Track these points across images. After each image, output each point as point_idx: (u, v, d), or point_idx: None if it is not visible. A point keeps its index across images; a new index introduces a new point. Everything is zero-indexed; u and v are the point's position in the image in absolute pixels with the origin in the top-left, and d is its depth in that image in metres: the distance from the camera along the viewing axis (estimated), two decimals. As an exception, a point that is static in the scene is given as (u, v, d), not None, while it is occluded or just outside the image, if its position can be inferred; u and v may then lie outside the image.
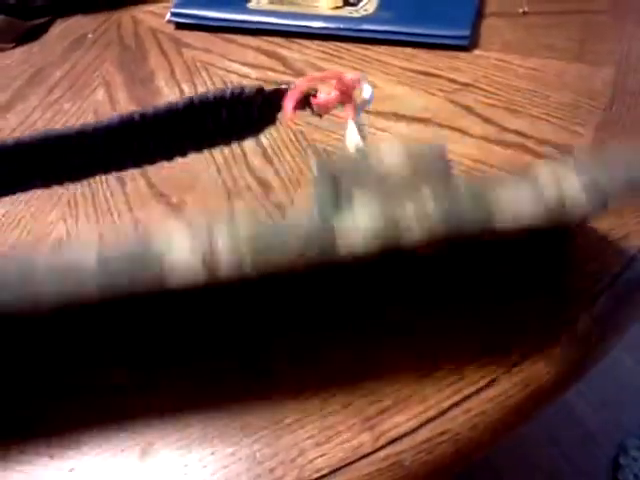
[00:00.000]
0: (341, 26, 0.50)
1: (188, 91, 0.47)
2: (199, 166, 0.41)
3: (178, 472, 0.26)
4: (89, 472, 0.26)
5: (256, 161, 0.40)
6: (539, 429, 0.82)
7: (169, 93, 0.47)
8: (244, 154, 0.41)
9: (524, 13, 0.52)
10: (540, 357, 0.29)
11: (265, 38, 0.52)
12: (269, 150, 0.41)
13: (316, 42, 0.51)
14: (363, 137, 0.29)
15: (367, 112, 0.44)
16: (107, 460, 0.27)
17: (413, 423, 0.27)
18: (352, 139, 0.29)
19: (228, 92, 0.27)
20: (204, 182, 0.39)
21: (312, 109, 0.29)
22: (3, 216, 0.38)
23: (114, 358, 0.28)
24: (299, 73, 0.48)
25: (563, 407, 0.83)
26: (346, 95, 0.27)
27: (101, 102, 0.47)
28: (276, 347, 0.29)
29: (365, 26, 0.50)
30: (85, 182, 0.40)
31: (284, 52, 0.50)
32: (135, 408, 0.27)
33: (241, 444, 0.27)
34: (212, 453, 0.27)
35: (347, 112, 0.29)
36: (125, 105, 0.46)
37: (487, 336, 0.29)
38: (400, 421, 0.27)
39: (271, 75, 0.48)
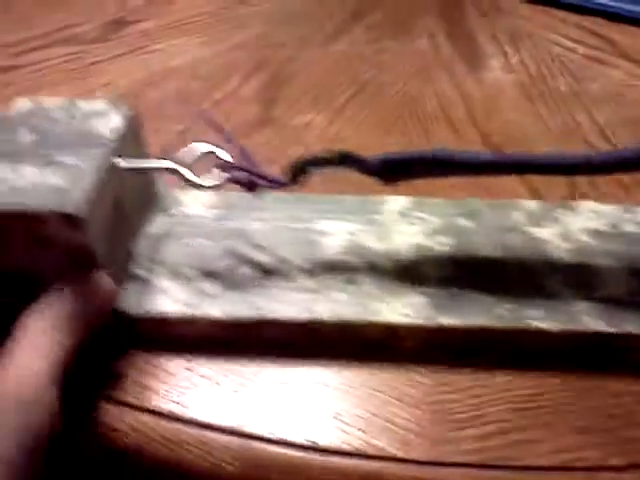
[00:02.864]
0: (684, 19, 0.47)
1: (511, 54, 0.46)
2: (531, 127, 0.40)
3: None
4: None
5: (592, 136, 0.39)
6: None
7: (492, 52, 0.47)
8: (579, 128, 0.39)
9: None
10: None
11: (586, 17, 0.50)
12: (607, 129, 0.39)
13: (649, 31, 0.48)
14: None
15: None
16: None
17: None
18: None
19: None
20: (537, 143, 0.38)
21: None
22: (338, 131, 0.40)
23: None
24: (629, 58, 0.45)
25: None
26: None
27: (425, 48, 0.47)
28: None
29: None
30: (415, 116, 0.41)
31: (612, 34, 0.48)
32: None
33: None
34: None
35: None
36: (449, 56, 0.46)
37: None
38: None
39: (600, 55, 0.46)
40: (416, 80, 0.44)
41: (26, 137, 0.27)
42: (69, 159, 0.25)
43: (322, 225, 0.30)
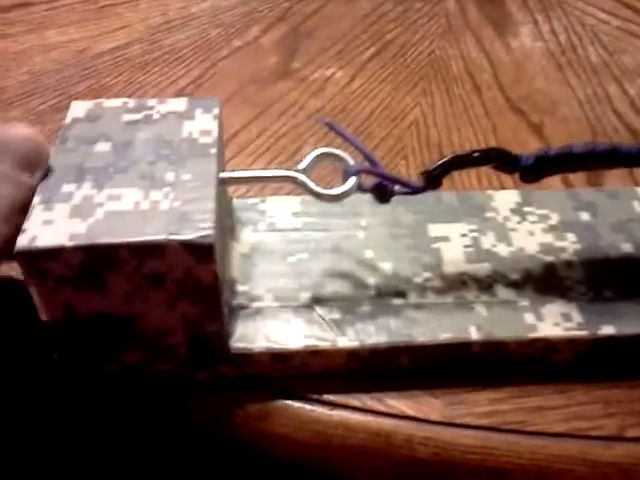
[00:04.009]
0: None
1: (542, 22, 0.45)
2: (560, 95, 0.38)
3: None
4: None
5: (622, 108, 0.37)
6: None
7: (522, 20, 0.45)
8: (609, 99, 0.38)
9: None
10: None
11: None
12: (637, 101, 0.38)
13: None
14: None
15: None
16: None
17: None
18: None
19: None
20: (565, 111, 0.37)
21: None
22: (360, 87, 0.38)
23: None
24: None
25: None
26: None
27: (452, 11, 0.45)
28: None
29: None
30: (439, 76, 0.40)
31: (647, 9, 0.46)
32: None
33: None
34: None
35: None
36: (476, 20, 0.45)
37: None
38: None
39: (633, 27, 0.44)
40: (442, 41, 0.42)
41: (103, 148, 0.22)
42: (171, 175, 0.21)
43: (433, 229, 0.27)
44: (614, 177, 0.32)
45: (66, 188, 0.21)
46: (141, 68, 0.39)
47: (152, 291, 0.20)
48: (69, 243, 0.19)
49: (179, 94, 0.37)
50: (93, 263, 0.19)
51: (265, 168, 0.32)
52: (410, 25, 0.44)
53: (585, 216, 0.28)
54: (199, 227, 0.19)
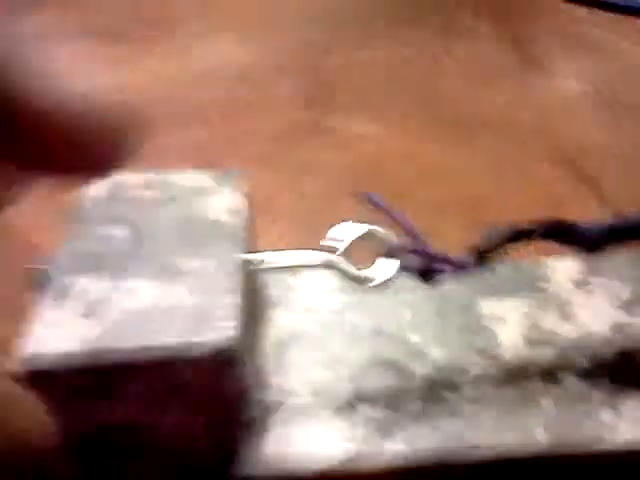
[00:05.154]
0: None
1: (582, 60, 0.42)
2: (612, 143, 0.35)
3: None
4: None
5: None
6: None
7: (562, 58, 0.42)
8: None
9: None
10: None
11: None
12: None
13: None
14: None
15: None
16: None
17: None
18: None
19: None
20: (620, 162, 0.34)
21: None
22: (394, 143, 0.36)
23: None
24: None
25: None
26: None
27: (484, 52, 0.43)
28: None
29: None
30: (478, 125, 0.37)
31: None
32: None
33: None
34: None
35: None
36: (511, 60, 0.42)
37: None
38: None
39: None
40: (477, 86, 0.40)
41: (120, 233, 0.20)
42: (195, 264, 0.19)
43: (486, 306, 0.24)
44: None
45: (77, 282, 0.18)
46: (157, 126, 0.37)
47: (171, 403, 0.18)
48: (79, 349, 0.17)
49: (200, 155, 0.35)
50: (107, 371, 0.17)
51: (299, 245, 0.29)
52: (440, 71, 0.42)
53: None
54: (229, 332, 0.17)
